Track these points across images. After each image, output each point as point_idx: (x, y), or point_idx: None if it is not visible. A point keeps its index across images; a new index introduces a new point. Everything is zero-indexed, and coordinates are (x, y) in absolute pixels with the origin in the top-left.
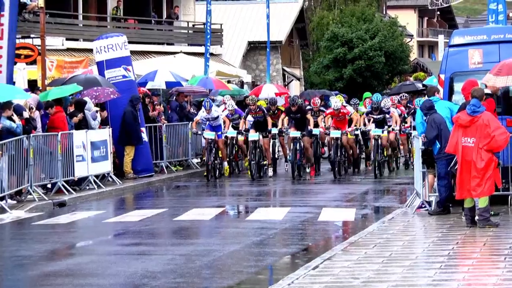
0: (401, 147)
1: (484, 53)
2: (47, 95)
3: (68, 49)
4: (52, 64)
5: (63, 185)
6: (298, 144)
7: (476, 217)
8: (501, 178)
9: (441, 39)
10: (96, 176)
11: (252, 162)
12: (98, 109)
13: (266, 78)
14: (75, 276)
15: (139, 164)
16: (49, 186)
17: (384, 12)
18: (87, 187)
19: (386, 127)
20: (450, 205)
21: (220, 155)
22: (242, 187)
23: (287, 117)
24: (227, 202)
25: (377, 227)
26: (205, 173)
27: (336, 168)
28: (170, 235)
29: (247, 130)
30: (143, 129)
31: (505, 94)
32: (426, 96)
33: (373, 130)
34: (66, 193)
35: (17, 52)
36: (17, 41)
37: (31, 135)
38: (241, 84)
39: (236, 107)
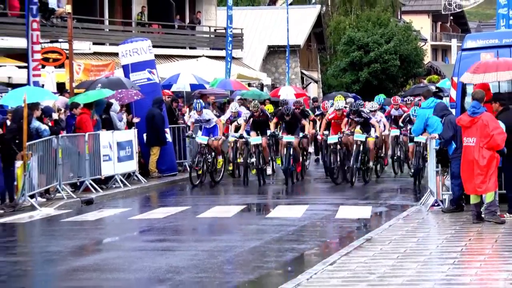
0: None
1: (496, 56)
2: (74, 100)
3: (94, 53)
4: (79, 67)
5: (90, 183)
6: (291, 149)
7: (483, 212)
8: None
9: (454, 43)
10: (122, 175)
11: (258, 167)
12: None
13: (285, 81)
14: (102, 270)
15: (164, 163)
16: (77, 184)
17: (399, 17)
18: (114, 186)
19: (372, 131)
20: (464, 202)
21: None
22: (260, 187)
23: (279, 121)
24: (248, 200)
25: (393, 224)
26: (193, 177)
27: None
28: (193, 232)
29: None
30: (167, 129)
31: None
32: (423, 98)
33: (356, 135)
34: (94, 191)
35: (45, 56)
36: (46, 45)
37: (60, 135)
38: (261, 87)
39: (239, 109)
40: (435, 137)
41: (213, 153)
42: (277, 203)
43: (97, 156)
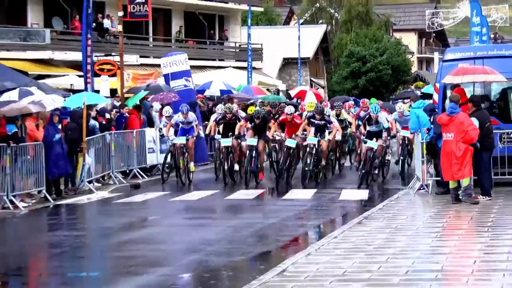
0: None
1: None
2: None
3: (141, 64)
4: (128, 76)
5: (137, 171)
6: (254, 151)
7: (461, 194)
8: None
9: (436, 55)
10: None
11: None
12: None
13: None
14: (147, 243)
15: (197, 155)
16: (127, 172)
17: (391, 34)
18: (157, 173)
19: (326, 134)
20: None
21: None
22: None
23: (249, 124)
24: (266, 185)
25: (386, 205)
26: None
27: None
28: (222, 211)
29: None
30: (201, 127)
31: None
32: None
33: (308, 139)
34: (140, 177)
35: (101, 67)
36: (101, 58)
37: (113, 132)
38: (277, 92)
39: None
40: (426, 130)
41: (186, 154)
42: (290, 188)
43: (143, 148)
